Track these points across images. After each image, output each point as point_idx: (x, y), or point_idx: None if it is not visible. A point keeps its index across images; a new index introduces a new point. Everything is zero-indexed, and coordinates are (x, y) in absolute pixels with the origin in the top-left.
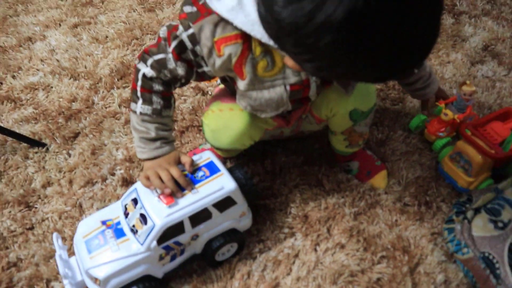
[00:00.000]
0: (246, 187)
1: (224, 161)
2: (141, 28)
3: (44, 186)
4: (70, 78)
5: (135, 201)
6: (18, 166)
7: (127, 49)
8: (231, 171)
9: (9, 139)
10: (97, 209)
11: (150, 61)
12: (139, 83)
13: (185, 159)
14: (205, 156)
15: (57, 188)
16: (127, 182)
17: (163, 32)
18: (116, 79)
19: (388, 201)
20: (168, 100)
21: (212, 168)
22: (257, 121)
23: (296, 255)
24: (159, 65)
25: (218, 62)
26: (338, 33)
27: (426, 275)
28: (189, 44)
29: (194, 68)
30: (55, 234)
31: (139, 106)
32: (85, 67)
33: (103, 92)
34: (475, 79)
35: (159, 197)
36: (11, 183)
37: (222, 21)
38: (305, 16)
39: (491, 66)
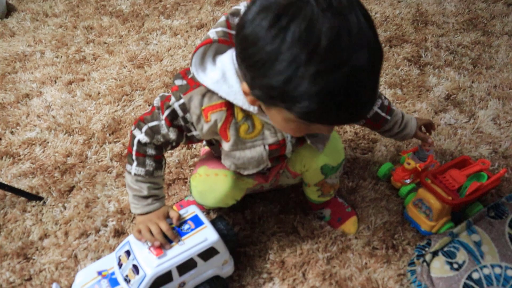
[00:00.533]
0: (228, 237)
1: (207, 211)
2: (131, 84)
3: (41, 238)
4: (65, 134)
5: (128, 253)
6: (17, 219)
7: (118, 105)
8: (213, 222)
9: (8, 193)
10: (92, 259)
11: (144, 128)
12: (134, 148)
13: (172, 214)
14: (191, 210)
15: (53, 240)
16: (119, 233)
17: (156, 101)
18: (107, 134)
19: (358, 245)
20: (159, 163)
21: (197, 221)
22: (239, 183)
23: None
24: (153, 131)
25: (206, 127)
26: (310, 101)
27: None
28: (180, 112)
29: (184, 133)
30: (54, 284)
31: (133, 168)
32: (79, 123)
33: (95, 147)
34: (438, 127)
35: (149, 249)
36: (10, 236)
37: (208, 92)
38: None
39: (453, 114)
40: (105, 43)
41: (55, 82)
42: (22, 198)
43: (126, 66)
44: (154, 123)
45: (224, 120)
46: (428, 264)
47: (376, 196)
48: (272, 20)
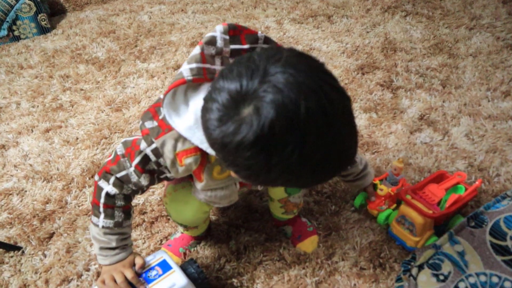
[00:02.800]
0: (199, 280)
1: (197, 242)
2: (109, 127)
3: None
4: (43, 181)
5: None
6: None
7: (97, 148)
8: (183, 267)
9: None
10: None
11: (112, 180)
12: (102, 200)
13: (137, 261)
14: (158, 256)
15: None
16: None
17: (120, 149)
18: (87, 178)
19: (346, 267)
20: (128, 213)
21: (164, 266)
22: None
23: None
24: (122, 182)
25: (180, 170)
26: (251, 151)
27: None
28: (153, 157)
29: (156, 175)
30: None
31: (101, 221)
32: (58, 169)
33: (75, 191)
34: (414, 146)
35: None
36: None
37: (181, 137)
38: (228, 137)
39: (428, 133)
40: (82, 89)
41: (32, 131)
42: (0, 250)
43: (104, 110)
44: (123, 173)
45: (199, 164)
46: (415, 278)
47: (360, 217)
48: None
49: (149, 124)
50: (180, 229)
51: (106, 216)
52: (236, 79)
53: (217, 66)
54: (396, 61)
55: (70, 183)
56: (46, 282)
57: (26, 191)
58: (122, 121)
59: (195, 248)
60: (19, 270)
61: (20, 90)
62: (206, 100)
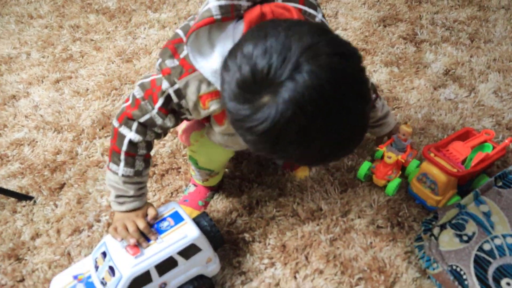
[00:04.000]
0: (211, 233)
1: (211, 195)
2: (120, 78)
3: (33, 238)
4: (54, 132)
5: (104, 254)
6: (7, 220)
7: (107, 100)
8: (196, 219)
9: None
10: (85, 255)
11: (135, 126)
12: (124, 148)
13: (150, 211)
14: (170, 207)
15: (45, 239)
16: None
17: (138, 92)
18: (97, 130)
19: (362, 225)
20: (148, 162)
21: (176, 218)
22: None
23: (277, 284)
24: (146, 126)
25: (203, 113)
26: (259, 137)
27: None
28: (175, 98)
29: (178, 116)
30: None
31: (121, 169)
32: (68, 120)
33: (86, 143)
34: (438, 102)
35: (126, 248)
36: (1, 238)
37: (206, 79)
38: (240, 117)
39: (452, 89)
40: (92, 40)
41: (42, 81)
42: (12, 199)
43: (115, 61)
44: (146, 116)
45: (222, 109)
46: (436, 238)
47: None
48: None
49: (170, 63)
50: (199, 181)
51: (126, 164)
52: (266, 58)
53: (244, 2)
54: (421, 13)
55: (80, 134)
56: (58, 231)
57: (37, 141)
58: (132, 72)
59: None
60: (31, 220)
61: (30, 40)
62: (230, 56)
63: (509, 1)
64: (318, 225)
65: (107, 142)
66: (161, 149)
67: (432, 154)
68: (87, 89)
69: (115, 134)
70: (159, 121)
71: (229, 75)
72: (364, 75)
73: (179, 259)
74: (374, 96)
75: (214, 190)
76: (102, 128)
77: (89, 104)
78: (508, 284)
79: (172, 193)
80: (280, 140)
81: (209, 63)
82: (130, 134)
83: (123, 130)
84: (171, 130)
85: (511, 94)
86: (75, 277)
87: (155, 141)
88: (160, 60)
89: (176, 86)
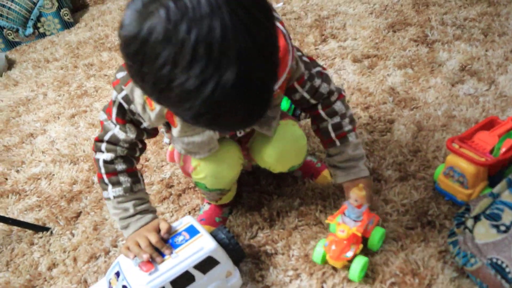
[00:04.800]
0: (230, 246)
1: (228, 211)
2: None
3: (49, 268)
4: (70, 163)
5: (117, 274)
6: (24, 253)
7: None
8: (213, 233)
9: (14, 228)
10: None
11: (103, 146)
12: (103, 170)
13: (163, 225)
14: (185, 221)
15: (62, 268)
16: None
17: (101, 115)
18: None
19: (389, 227)
20: (135, 176)
21: (191, 231)
22: (234, 147)
23: None
24: (113, 143)
25: (152, 115)
26: (130, 48)
27: None
28: (125, 105)
29: (138, 126)
30: None
31: (110, 191)
32: (84, 151)
33: None
34: (457, 98)
35: (139, 266)
36: (18, 271)
37: None
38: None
39: (471, 84)
40: (105, 75)
41: (58, 118)
42: (29, 232)
43: None
44: (110, 133)
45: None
46: (471, 231)
47: (401, 175)
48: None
49: (120, 75)
50: (212, 202)
51: (113, 185)
52: None
53: None
54: (430, 15)
55: None
56: (75, 260)
57: (53, 174)
58: None
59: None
60: (48, 250)
61: (46, 82)
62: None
63: None
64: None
65: None
66: (177, 170)
67: (456, 146)
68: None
69: (95, 163)
70: (121, 135)
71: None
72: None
73: (196, 273)
74: (350, 127)
75: (230, 205)
76: None
77: None
78: None
79: (189, 212)
80: (147, 56)
81: None
82: (102, 155)
83: (97, 155)
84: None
85: None
86: None
87: (137, 154)
88: (114, 75)
89: (124, 93)
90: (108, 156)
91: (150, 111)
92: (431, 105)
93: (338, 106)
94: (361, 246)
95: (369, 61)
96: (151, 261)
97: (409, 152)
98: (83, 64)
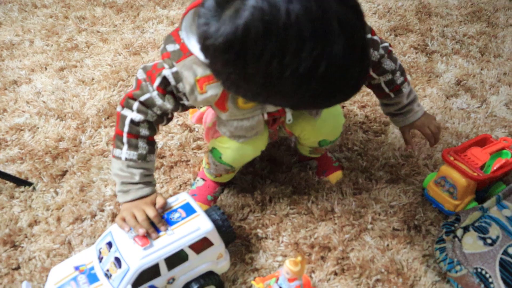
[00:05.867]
0: (223, 228)
1: (220, 190)
2: (127, 70)
3: (31, 225)
4: (56, 119)
5: (109, 245)
6: (3, 206)
7: (114, 90)
8: (207, 213)
9: None
10: (87, 245)
11: (135, 105)
12: (126, 129)
13: (158, 200)
14: (181, 198)
15: (44, 226)
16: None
17: (140, 74)
18: (103, 119)
19: (377, 226)
20: (152, 145)
21: (188, 209)
22: (265, 131)
23: None
24: (147, 105)
25: (200, 98)
26: (227, 55)
27: None
28: (172, 81)
29: (179, 101)
30: (25, 283)
31: (124, 152)
32: (72, 108)
33: (90, 131)
34: (451, 111)
35: (134, 239)
36: None
37: (203, 62)
38: (208, 38)
39: (465, 99)
40: (98, 31)
41: (46, 69)
42: (10, 184)
43: (122, 53)
44: (146, 96)
45: (221, 93)
46: (460, 240)
47: (392, 177)
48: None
49: (170, 48)
50: (210, 176)
51: (129, 147)
52: None
53: None
54: (431, 25)
55: (85, 122)
56: (58, 219)
57: (38, 127)
58: (140, 64)
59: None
60: (30, 206)
61: (33, 29)
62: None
63: None
64: (333, 224)
65: (113, 132)
66: (170, 141)
67: (451, 158)
68: (93, 79)
69: (118, 118)
70: (158, 101)
71: (198, 16)
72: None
73: (190, 253)
74: (402, 78)
75: (224, 185)
76: (108, 118)
77: (95, 94)
78: None
79: (180, 185)
80: (249, 55)
81: None
82: (132, 114)
83: (125, 111)
84: (177, 121)
85: None
86: (77, 268)
87: (161, 128)
88: (162, 45)
89: (174, 69)
90: (137, 117)
91: (199, 94)
92: None
93: (387, 64)
94: None
95: None
96: (146, 236)
97: (401, 156)
98: (74, 16)
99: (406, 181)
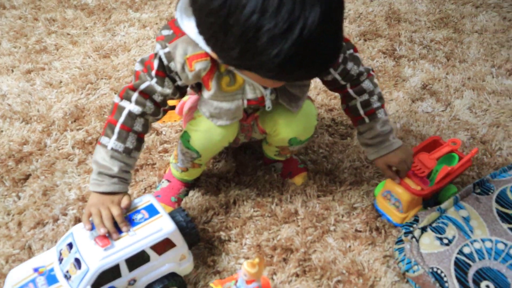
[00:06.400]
0: (187, 229)
1: (184, 192)
2: (96, 73)
3: None
4: (21, 122)
5: (70, 246)
6: None
7: (82, 93)
8: (171, 214)
9: None
10: (48, 250)
11: (135, 96)
12: (122, 119)
13: (124, 199)
14: (145, 199)
15: (4, 231)
16: (80, 221)
17: (138, 66)
18: (69, 122)
19: (340, 228)
20: (140, 143)
21: (151, 211)
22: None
23: None
24: (146, 94)
25: (190, 75)
26: (214, 2)
27: None
28: (165, 61)
29: (174, 83)
30: None
31: (112, 142)
32: (38, 111)
33: (56, 134)
34: (416, 114)
35: (95, 240)
36: None
37: (193, 42)
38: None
39: (430, 103)
40: (68, 34)
41: (12, 71)
42: None
43: (91, 56)
44: (146, 83)
45: (209, 70)
46: (417, 240)
47: (356, 180)
48: None
49: (165, 32)
50: (176, 172)
51: (118, 138)
52: None
53: None
54: (400, 31)
55: (50, 126)
56: (19, 224)
57: (2, 131)
58: (110, 67)
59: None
60: None
61: (1, 30)
62: None
63: (482, 26)
64: (296, 226)
65: (79, 136)
66: None
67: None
68: (61, 82)
69: (115, 108)
70: (158, 88)
71: None
72: None
73: (152, 254)
74: (378, 104)
75: (188, 187)
76: (75, 121)
77: (62, 97)
78: (487, 286)
79: (145, 189)
80: (233, 6)
81: (193, 24)
82: (130, 106)
83: (123, 103)
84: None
85: (485, 111)
86: (36, 270)
87: (159, 116)
88: (159, 31)
89: (167, 50)
90: (136, 109)
91: (189, 71)
92: (391, 117)
93: (366, 84)
94: None
95: None
96: (108, 236)
97: (366, 159)
98: (44, 17)
99: (370, 183)
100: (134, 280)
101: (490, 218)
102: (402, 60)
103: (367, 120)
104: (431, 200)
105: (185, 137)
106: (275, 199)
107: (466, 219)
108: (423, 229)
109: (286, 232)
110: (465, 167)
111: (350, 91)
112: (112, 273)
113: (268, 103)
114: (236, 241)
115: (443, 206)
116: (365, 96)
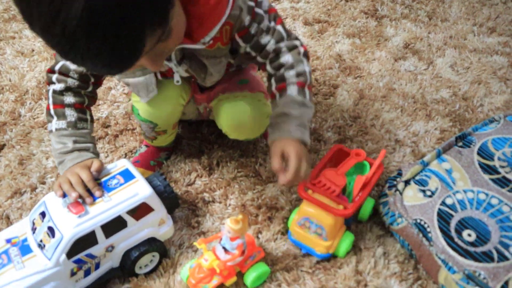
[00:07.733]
0: (165, 194)
1: (165, 156)
2: None
3: None
4: None
5: (43, 215)
6: None
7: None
8: (148, 179)
9: None
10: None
11: (55, 77)
12: (50, 100)
13: (94, 163)
14: (120, 165)
15: None
16: None
17: None
18: (44, 90)
19: None
20: (82, 112)
21: (127, 176)
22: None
23: None
24: (64, 72)
25: None
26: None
27: (367, 250)
28: None
29: None
30: None
31: (54, 123)
32: (10, 80)
33: (30, 103)
34: (398, 73)
35: (68, 207)
36: None
37: None
38: None
39: (412, 62)
40: None
41: None
42: None
43: None
44: (60, 63)
45: None
46: (401, 193)
47: (340, 138)
48: None
49: None
50: (148, 141)
51: (58, 118)
52: None
53: None
54: None
55: (24, 95)
56: None
57: None
58: None
59: (165, 163)
60: None
61: None
62: None
63: None
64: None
65: None
66: (115, 110)
67: (309, 191)
68: (33, 50)
69: (46, 94)
70: (72, 66)
71: None
72: None
73: (129, 219)
74: (293, 79)
75: (169, 151)
76: None
77: (35, 65)
78: (469, 235)
79: (126, 153)
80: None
81: None
82: (53, 86)
83: (49, 87)
84: (122, 90)
85: (466, 69)
86: (8, 241)
87: (87, 90)
88: None
89: None
90: (58, 86)
91: None
92: (374, 76)
93: (285, 58)
94: (233, 278)
95: (319, 26)
96: (82, 203)
97: (350, 117)
98: None
99: (354, 140)
100: (112, 247)
101: (472, 170)
102: (384, 20)
103: (277, 96)
104: (350, 218)
105: (134, 111)
106: (259, 159)
107: (449, 171)
108: (407, 182)
109: (270, 192)
110: (379, 173)
111: (269, 68)
112: (88, 240)
113: (176, 77)
114: (220, 202)
115: (425, 159)
116: (281, 71)
